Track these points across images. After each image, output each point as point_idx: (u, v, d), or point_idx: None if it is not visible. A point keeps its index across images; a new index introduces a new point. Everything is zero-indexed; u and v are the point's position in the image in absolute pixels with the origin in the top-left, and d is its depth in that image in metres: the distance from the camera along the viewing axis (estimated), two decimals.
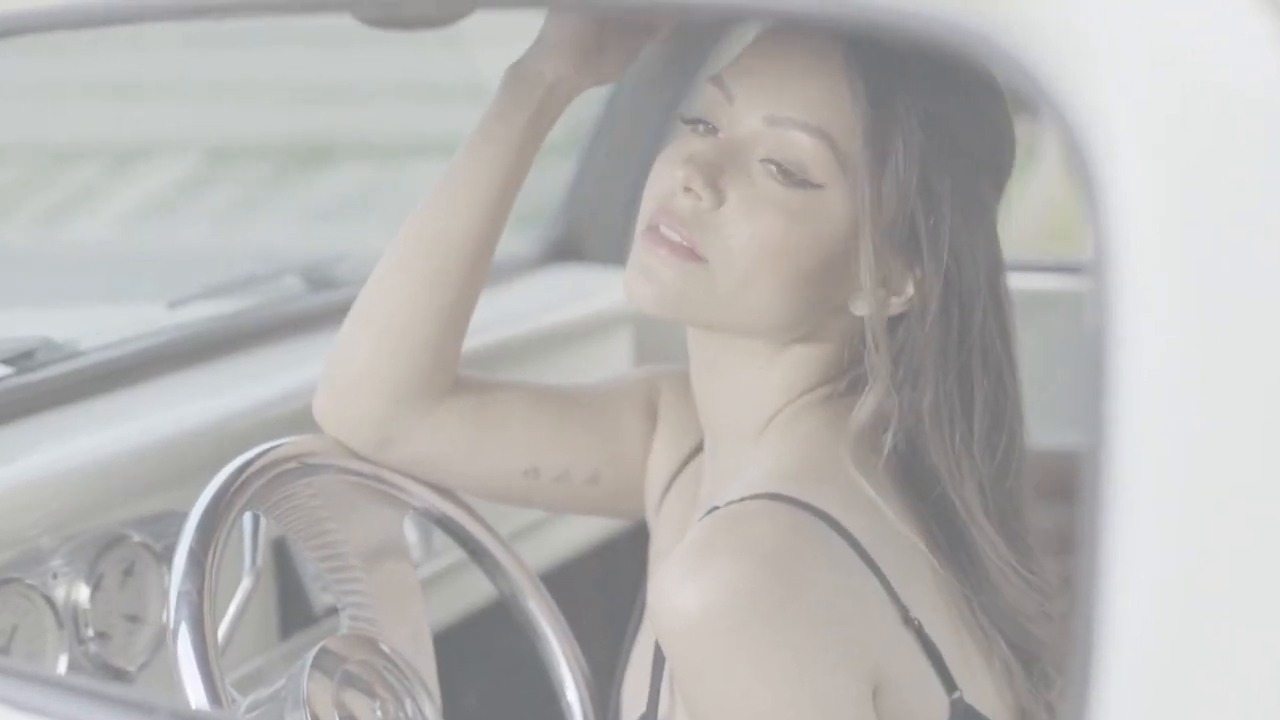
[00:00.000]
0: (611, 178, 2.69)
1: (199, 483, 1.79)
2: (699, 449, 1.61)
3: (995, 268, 1.42)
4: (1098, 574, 0.80)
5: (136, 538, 1.72)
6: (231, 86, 7.92)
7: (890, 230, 1.37)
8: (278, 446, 1.54)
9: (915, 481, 1.42)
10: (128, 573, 1.72)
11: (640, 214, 1.43)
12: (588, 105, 2.64)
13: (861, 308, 1.40)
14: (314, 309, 2.20)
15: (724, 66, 1.44)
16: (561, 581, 2.31)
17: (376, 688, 1.53)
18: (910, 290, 1.39)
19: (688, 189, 1.38)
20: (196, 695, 1.37)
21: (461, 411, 1.59)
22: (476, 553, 1.66)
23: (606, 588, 2.46)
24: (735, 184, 1.38)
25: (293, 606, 1.92)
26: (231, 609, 1.73)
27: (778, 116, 1.39)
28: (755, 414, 1.46)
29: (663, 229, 1.39)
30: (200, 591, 1.39)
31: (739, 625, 1.28)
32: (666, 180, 1.40)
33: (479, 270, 1.57)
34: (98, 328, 1.98)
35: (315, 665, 1.49)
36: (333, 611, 1.95)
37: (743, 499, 1.36)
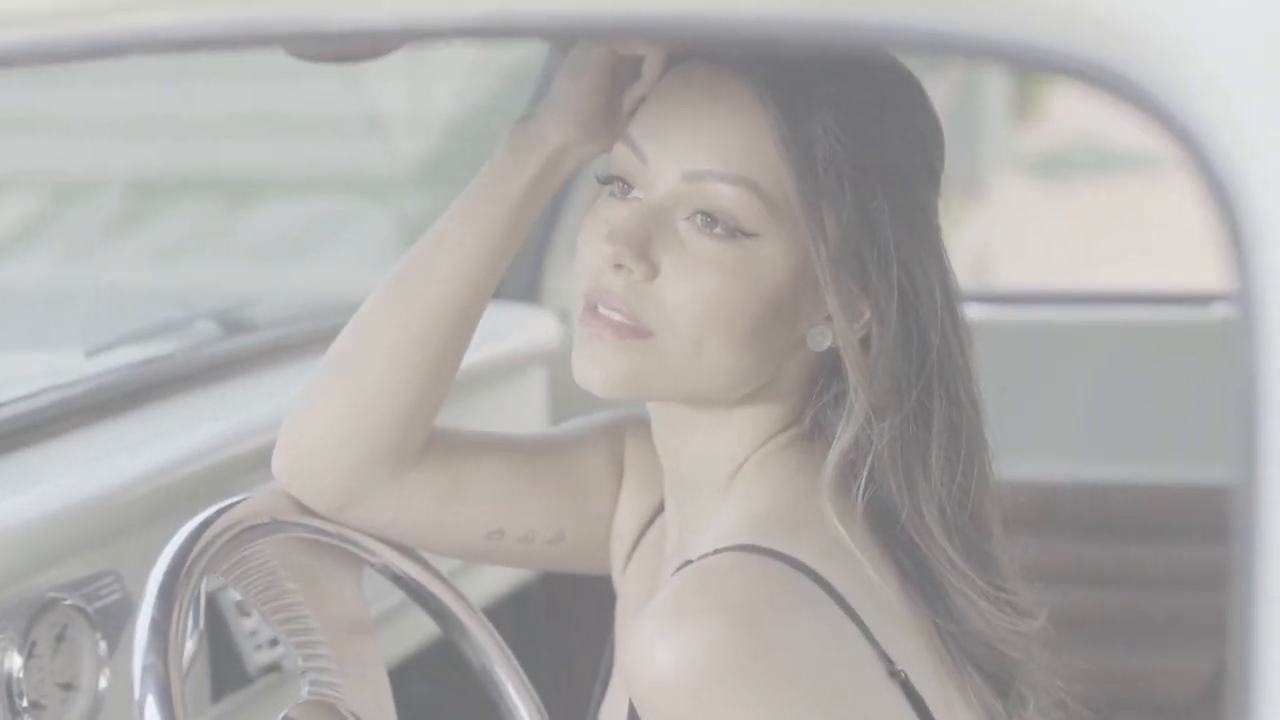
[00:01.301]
0: None
1: (131, 541, 1.73)
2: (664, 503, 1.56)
3: (945, 273, 1.39)
4: (1253, 617, 0.77)
5: (68, 601, 1.63)
6: (84, 121, 7.79)
7: (839, 261, 1.34)
8: (233, 506, 1.47)
9: (877, 510, 1.38)
10: (59, 639, 1.63)
11: (576, 290, 1.39)
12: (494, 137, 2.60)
13: (820, 342, 1.37)
14: (230, 354, 2.13)
15: (631, 123, 1.40)
16: (506, 612, 2.27)
17: None
18: (867, 313, 1.36)
19: (618, 265, 1.33)
20: None
21: (431, 476, 1.52)
22: (439, 614, 1.59)
23: (555, 619, 2.43)
24: (666, 250, 1.34)
25: (224, 667, 1.85)
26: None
27: (695, 171, 1.34)
28: (721, 466, 1.41)
29: (600, 310, 1.35)
30: (166, 663, 1.32)
31: (714, 685, 1.24)
32: (595, 257, 1.36)
33: (464, 332, 1.50)
34: (12, 376, 1.89)
35: None
36: (269, 671, 1.88)
37: (715, 552, 1.31)
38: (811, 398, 1.41)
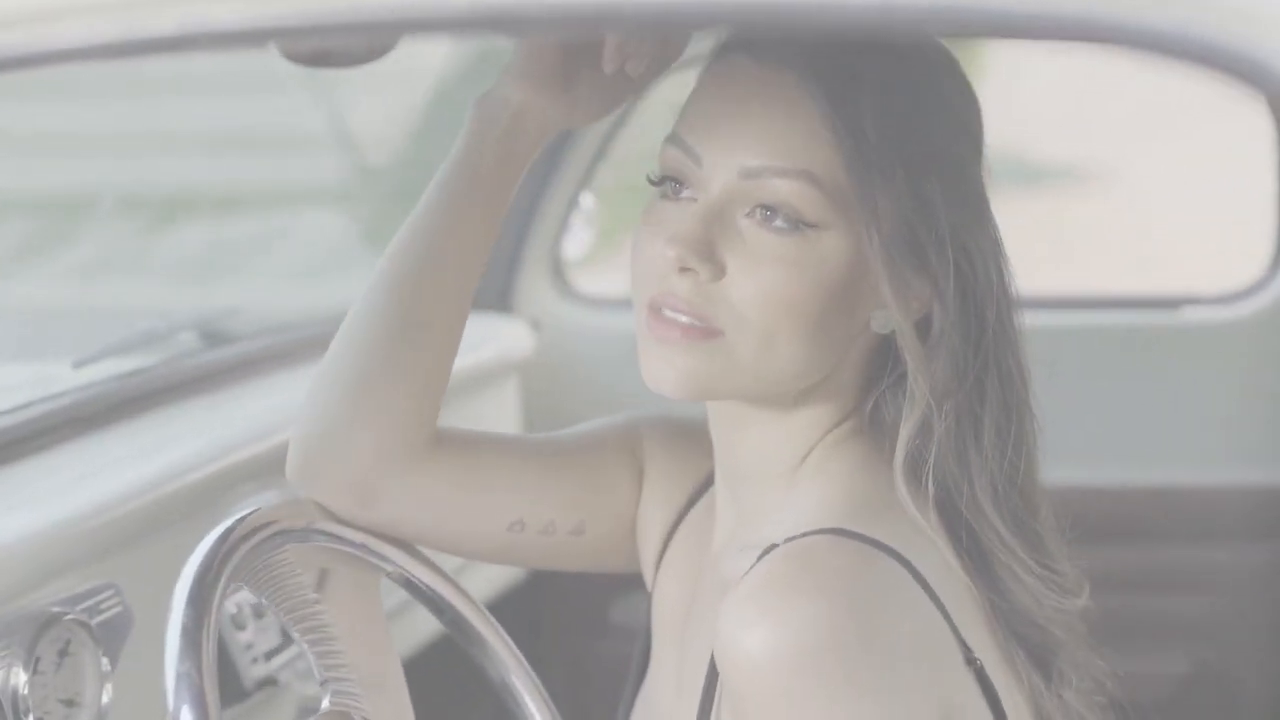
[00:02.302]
0: None
1: (128, 554, 1.70)
2: (695, 497, 1.56)
3: (998, 249, 1.38)
4: None
5: (71, 616, 1.60)
6: (11, 137, 7.70)
7: (896, 245, 1.33)
8: (255, 513, 1.44)
9: (938, 489, 1.37)
10: (62, 653, 1.60)
11: (635, 292, 1.38)
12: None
13: (885, 324, 1.37)
14: (216, 365, 2.11)
15: (679, 125, 1.39)
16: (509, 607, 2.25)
17: None
18: (926, 292, 1.35)
19: (684, 269, 1.33)
20: None
21: (446, 467, 1.50)
22: (456, 625, 1.57)
23: (535, 627, 2.41)
24: (729, 248, 1.34)
25: (220, 681, 1.81)
26: None
27: (753, 168, 1.34)
28: (786, 456, 1.41)
29: (667, 312, 1.34)
30: (199, 670, 1.29)
31: (818, 665, 1.24)
32: (657, 260, 1.35)
33: (458, 316, 1.49)
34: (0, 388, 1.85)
35: None
36: (265, 685, 1.86)
37: (804, 534, 1.31)
38: (869, 386, 1.40)
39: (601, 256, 2.68)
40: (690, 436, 1.58)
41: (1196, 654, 2.68)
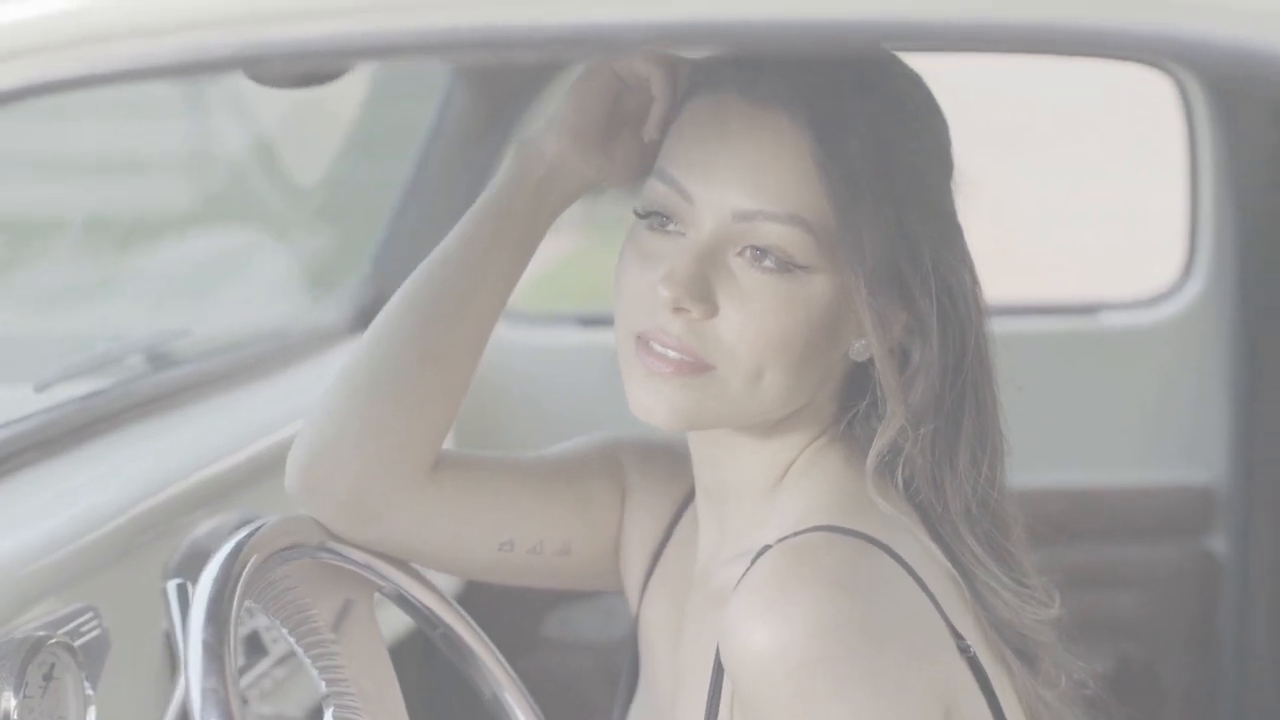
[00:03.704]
0: (423, 239, 2.61)
1: (105, 576, 1.70)
2: (678, 516, 1.58)
3: (974, 277, 1.42)
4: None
5: (54, 639, 1.59)
6: None
7: (880, 281, 1.36)
8: (261, 529, 1.44)
9: (915, 505, 1.42)
10: (47, 677, 1.58)
11: (619, 322, 1.40)
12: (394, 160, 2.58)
13: (861, 353, 1.40)
14: (166, 386, 2.11)
15: (665, 159, 1.41)
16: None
17: None
18: (904, 321, 1.38)
19: (679, 309, 1.35)
20: None
21: (446, 487, 1.51)
22: (448, 640, 1.58)
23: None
24: (722, 288, 1.36)
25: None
26: (172, 707, 1.63)
27: (746, 211, 1.36)
28: (767, 473, 1.44)
29: (657, 347, 1.36)
30: (224, 685, 1.29)
31: (826, 656, 1.27)
32: (647, 296, 1.37)
33: (474, 348, 1.51)
34: None
35: None
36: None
37: (796, 534, 1.34)
38: (845, 406, 1.43)
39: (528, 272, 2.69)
40: (667, 456, 1.61)
41: (1119, 651, 2.74)
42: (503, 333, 2.72)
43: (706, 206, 1.36)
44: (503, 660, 1.60)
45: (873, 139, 1.36)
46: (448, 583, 2.36)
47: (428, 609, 1.57)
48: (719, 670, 1.37)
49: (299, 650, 1.47)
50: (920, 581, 1.34)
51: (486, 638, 1.60)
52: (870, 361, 1.40)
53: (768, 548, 1.34)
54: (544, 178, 1.48)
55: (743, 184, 1.36)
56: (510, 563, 1.56)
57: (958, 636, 1.35)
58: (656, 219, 1.39)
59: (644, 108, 1.46)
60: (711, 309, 1.35)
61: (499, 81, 2.55)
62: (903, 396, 1.38)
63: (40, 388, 1.92)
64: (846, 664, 1.27)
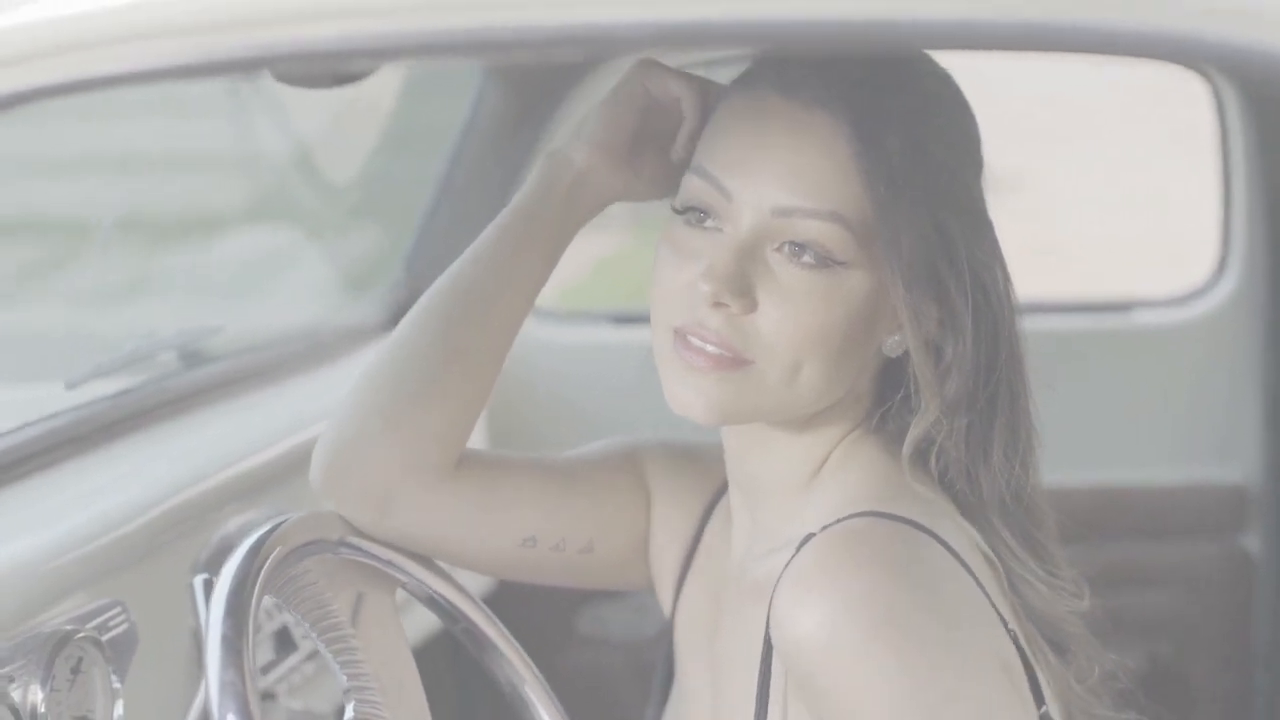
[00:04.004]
0: (456, 238, 2.63)
1: (132, 571, 1.71)
2: (707, 516, 1.60)
3: (1006, 272, 1.44)
4: None
5: (82, 633, 1.61)
6: None
7: (916, 278, 1.38)
8: (283, 525, 1.46)
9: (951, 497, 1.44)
10: (75, 671, 1.60)
11: (656, 316, 1.42)
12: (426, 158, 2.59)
13: (895, 348, 1.41)
14: (197, 383, 2.13)
15: (703, 156, 1.43)
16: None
17: None
18: (938, 314, 1.40)
19: (718, 304, 1.37)
20: None
21: (469, 484, 1.53)
22: (470, 635, 1.60)
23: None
24: (760, 283, 1.38)
25: None
26: (197, 702, 1.65)
27: (785, 207, 1.37)
28: (803, 468, 1.45)
29: (695, 342, 1.38)
30: (243, 678, 1.31)
31: (881, 634, 1.29)
32: (685, 291, 1.39)
33: (499, 349, 1.54)
34: None
35: None
36: (262, 699, 1.87)
37: (838, 521, 1.36)
38: (879, 400, 1.45)
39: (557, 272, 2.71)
40: (690, 457, 1.63)
41: (1151, 650, 2.73)
42: (536, 331, 2.76)
43: (745, 203, 1.38)
44: (525, 655, 1.62)
45: (909, 137, 1.37)
46: (479, 582, 2.38)
47: (450, 604, 1.58)
48: (767, 658, 1.39)
49: (320, 645, 1.49)
50: (964, 564, 1.36)
51: (508, 633, 1.61)
52: (904, 356, 1.42)
53: (811, 536, 1.35)
54: (572, 186, 1.51)
55: (781, 180, 1.37)
56: (533, 560, 1.58)
57: (1002, 618, 1.37)
58: (694, 215, 1.41)
59: (673, 126, 1.49)
60: (751, 304, 1.37)
61: (531, 81, 2.56)
62: (938, 390, 1.39)
63: (71, 385, 1.94)
64: (902, 640, 1.29)
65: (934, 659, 1.30)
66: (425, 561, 1.56)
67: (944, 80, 1.44)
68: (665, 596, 1.62)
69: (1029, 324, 2.82)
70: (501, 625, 1.61)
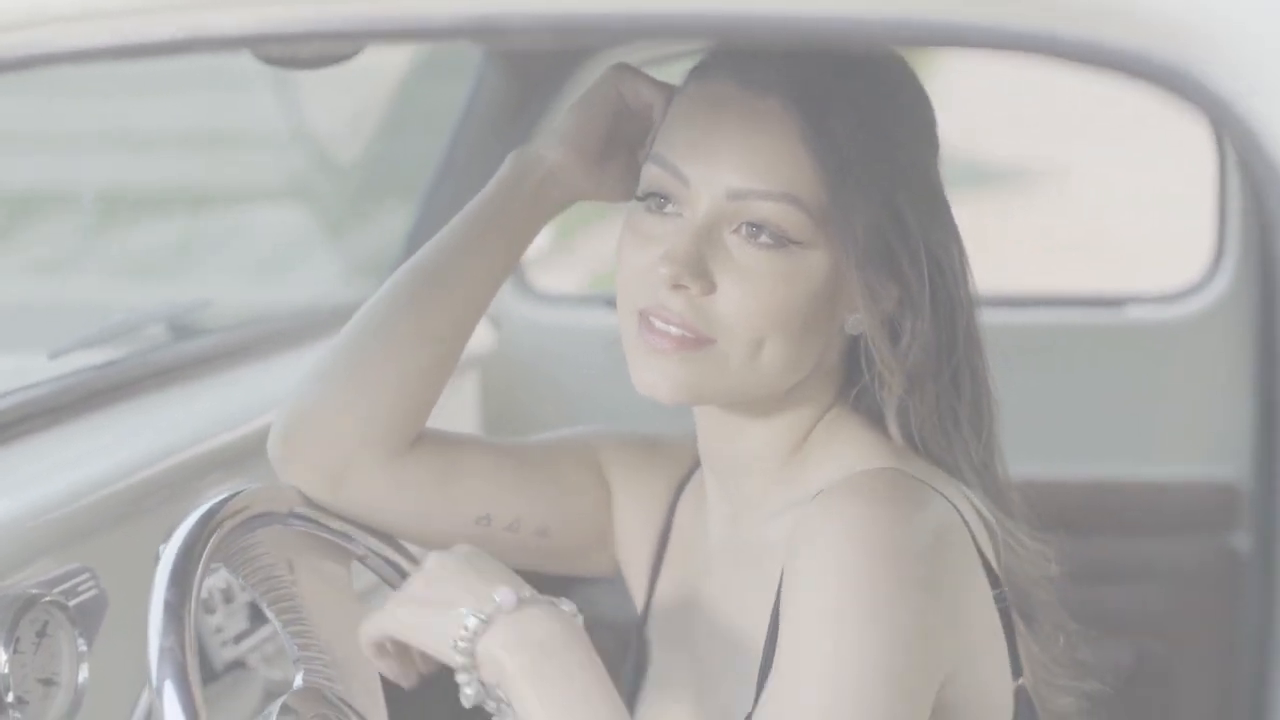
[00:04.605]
0: None
1: (103, 539, 1.74)
2: (673, 505, 1.63)
3: (962, 250, 1.46)
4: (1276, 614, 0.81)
5: (48, 597, 1.64)
6: None
7: (870, 257, 1.40)
8: (235, 496, 1.49)
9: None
10: (40, 634, 1.63)
11: (621, 300, 1.45)
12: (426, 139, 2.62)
13: (857, 326, 1.44)
14: (189, 356, 2.16)
15: (661, 144, 1.45)
16: None
17: None
18: (896, 293, 1.42)
19: (678, 286, 1.39)
20: None
21: (423, 460, 1.57)
22: None
23: None
24: (719, 265, 1.40)
25: None
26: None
27: (739, 190, 1.40)
28: (780, 446, 1.48)
29: (658, 323, 1.41)
30: (182, 646, 1.34)
31: (882, 563, 1.31)
32: (648, 274, 1.41)
33: (459, 335, 1.57)
34: None
35: None
36: (234, 667, 1.90)
37: (854, 474, 1.40)
38: (849, 376, 1.48)
39: (558, 256, 2.73)
40: (649, 448, 1.66)
41: (1141, 645, 2.74)
42: (531, 312, 2.79)
43: (702, 187, 1.41)
44: None
45: (860, 120, 1.40)
46: None
47: (404, 575, 1.60)
48: (777, 613, 1.40)
49: (270, 615, 1.52)
50: (967, 525, 1.40)
51: None
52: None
53: (821, 492, 1.38)
54: (541, 182, 1.55)
55: (735, 164, 1.40)
56: (489, 538, 1.60)
57: (995, 584, 1.40)
58: (654, 200, 1.44)
59: (643, 130, 1.53)
60: (709, 285, 1.39)
61: (531, 65, 2.59)
62: (897, 365, 1.42)
63: (55, 355, 1.98)
64: (895, 580, 1.31)
65: (899, 613, 1.32)
66: (380, 535, 1.59)
67: (897, 65, 1.46)
68: (638, 589, 1.65)
69: (1024, 317, 2.85)
70: None
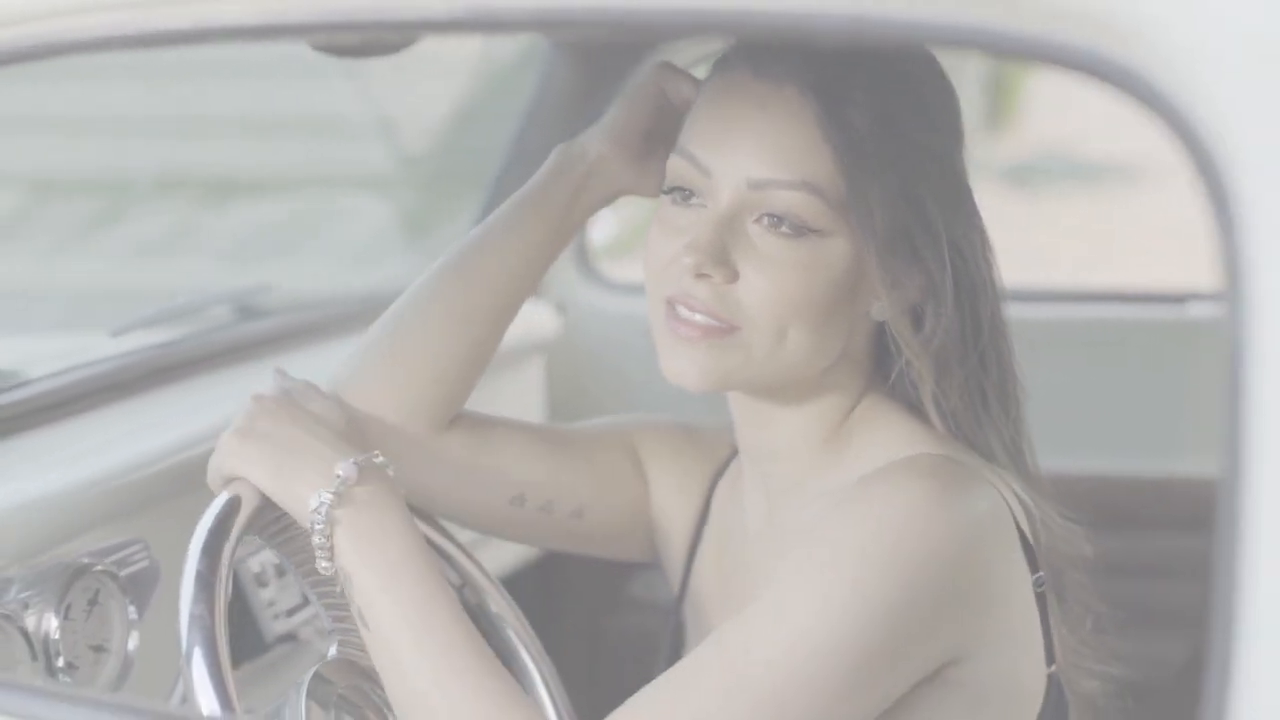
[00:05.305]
0: None
1: (156, 512, 1.79)
2: (710, 493, 1.66)
3: (985, 239, 1.49)
4: (1235, 613, 0.83)
5: (100, 567, 1.70)
6: (62, 119, 7.80)
7: (891, 245, 1.43)
8: None
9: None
10: (92, 602, 1.70)
11: (649, 290, 1.49)
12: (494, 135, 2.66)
13: (881, 313, 1.47)
14: (247, 338, 2.21)
15: (685, 137, 1.49)
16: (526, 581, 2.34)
17: (367, 712, 1.53)
18: (920, 282, 1.45)
19: (701, 275, 1.42)
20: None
21: (460, 440, 1.62)
22: (458, 584, 1.67)
23: (548, 601, 2.49)
24: (742, 254, 1.43)
25: (243, 636, 1.91)
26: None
27: (759, 180, 1.43)
28: (815, 432, 1.51)
29: (683, 311, 1.44)
30: (212, 614, 1.39)
31: (909, 534, 1.34)
32: (672, 266, 1.45)
33: (503, 320, 1.63)
34: (41, 355, 1.95)
35: (310, 692, 1.49)
36: (285, 640, 1.95)
37: (901, 458, 1.42)
38: (879, 363, 1.51)
39: (625, 243, 2.76)
40: (686, 436, 1.70)
41: (1197, 640, 2.73)
42: (596, 299, 2.82)
43: (723, 178, 1.44)
44: (506, 594, 1.68)
45: (877, 109, 1.43)
46: (530, 550, 2.44)
47: (437, 548, 1.65)
48: None
49: (305, 587, 1.57)
50: (1009, 508, 1.42)
51: (492, 576, 1.68)
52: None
53: (864, 477, 1.41)
54: (584, 175, 1.60)
55: (756, 155, 1.43)
56: (523, 519, 1.65)
57: (1037, 571, 1.42)
58: (680, 194, 1.47)
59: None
60: (732, 274, 1.43)
61: (598, 55, 2.62)
62: (921, 350, 1.45)
63: (116, 333, 2.04)
64: (906, 551, 1.34)
65: (889, 593, 1.34)
66: (414, 509, 1.63)
67: (918, 56, 1.49)
68: (674, 573, 1.69)
69: (1083, 312, 2.84)
70: (485, 568, 1.68)
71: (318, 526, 1.44)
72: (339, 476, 1.44)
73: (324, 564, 1.44)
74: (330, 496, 1.43)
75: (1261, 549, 0.84)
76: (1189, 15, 0.85)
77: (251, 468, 1.49)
